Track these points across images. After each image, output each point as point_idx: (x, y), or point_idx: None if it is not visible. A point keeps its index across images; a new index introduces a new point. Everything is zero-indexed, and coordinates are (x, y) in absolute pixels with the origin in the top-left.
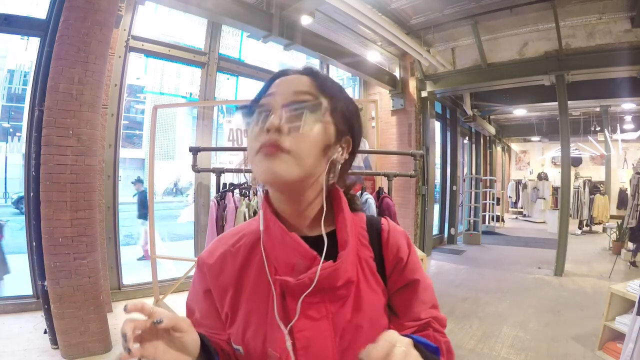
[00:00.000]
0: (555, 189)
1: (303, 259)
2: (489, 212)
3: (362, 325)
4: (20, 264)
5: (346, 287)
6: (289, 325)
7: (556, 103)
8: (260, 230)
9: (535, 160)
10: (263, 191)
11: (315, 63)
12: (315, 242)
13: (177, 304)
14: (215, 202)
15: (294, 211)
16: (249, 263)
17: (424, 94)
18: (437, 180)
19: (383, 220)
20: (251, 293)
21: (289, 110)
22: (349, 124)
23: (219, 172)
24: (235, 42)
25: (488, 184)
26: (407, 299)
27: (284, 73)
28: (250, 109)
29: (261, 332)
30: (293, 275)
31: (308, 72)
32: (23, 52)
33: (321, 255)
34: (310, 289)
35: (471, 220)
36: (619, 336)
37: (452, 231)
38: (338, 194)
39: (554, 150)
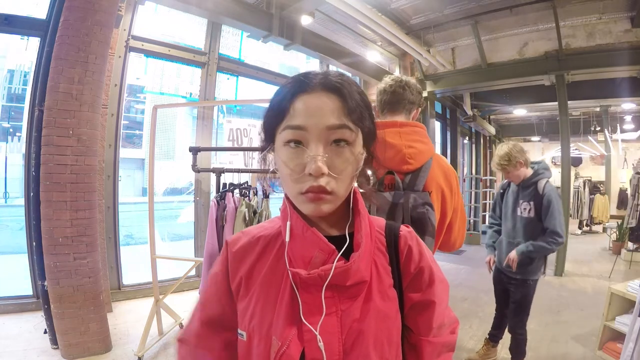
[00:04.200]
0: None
1: (321, 252)
2: (489, 212)
3: (368, 329)
4: (20, 264)
5: (357, 287)
6: (319, 323)
7: (556, 103)
8: (280, 226)
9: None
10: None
11: (315, 63)
12: (331, 241)
13: (177, 304)
14: (215, 202)
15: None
16: (266, 254)
17: (424, 94)
18: None
19: (403, 227)
20: (263, 282)
21: (328, 150)
22: (371, 132)
23: (219, 172)
24: (235, 42)
25: (488, 184)
26: (423, 319)
27: (304, 88)
28: (272, 124)
29: (267, 320)
30: (307, 270)
31: (333, 90)
32: (23, 52)
33: (339, 251)
34: (326, 283)
35: (471, 220)
36: (619, 336)
37: None
38: (356, 196)
39: (554, 150)
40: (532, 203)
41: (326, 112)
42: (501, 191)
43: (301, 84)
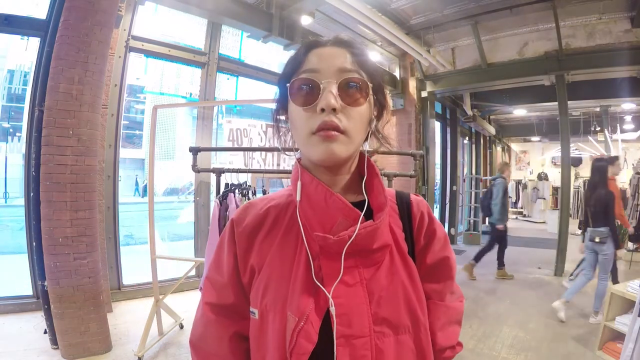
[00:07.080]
0: (555, 189)
1: (346, 218)
2: None
3: (398, 292)
4: (20, 264)
5: (381, 251)
6: (333, 286)
7: (556, 103)
8: (291, 195)
9: (535, 160)
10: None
11: None
12: None
13: (177, 304)
14: (218, 202)
15: (329, 179)
16: (277, 225)
17: (424, 94)
18: (437, 180)
19: (412, 195)
20: (276, 255)
21: (340, 89)
22: (382, 93)
23: (219, 172)
24: (235, 42)
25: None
26: (438, 283)
27: (317, 44)
28: (287, 81)
29: (282, 295)
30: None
31: (344, 44)
32: (23, 52)
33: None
34: (348, 243)
35: (471, 220)
36: (619, 336)
37: (452, 231)
38: (370, 161)
39: (554, 150)
40: None
41: (339, 57)
42: None
43: (314, 42)
